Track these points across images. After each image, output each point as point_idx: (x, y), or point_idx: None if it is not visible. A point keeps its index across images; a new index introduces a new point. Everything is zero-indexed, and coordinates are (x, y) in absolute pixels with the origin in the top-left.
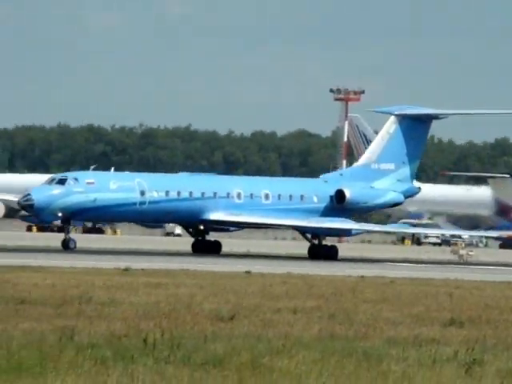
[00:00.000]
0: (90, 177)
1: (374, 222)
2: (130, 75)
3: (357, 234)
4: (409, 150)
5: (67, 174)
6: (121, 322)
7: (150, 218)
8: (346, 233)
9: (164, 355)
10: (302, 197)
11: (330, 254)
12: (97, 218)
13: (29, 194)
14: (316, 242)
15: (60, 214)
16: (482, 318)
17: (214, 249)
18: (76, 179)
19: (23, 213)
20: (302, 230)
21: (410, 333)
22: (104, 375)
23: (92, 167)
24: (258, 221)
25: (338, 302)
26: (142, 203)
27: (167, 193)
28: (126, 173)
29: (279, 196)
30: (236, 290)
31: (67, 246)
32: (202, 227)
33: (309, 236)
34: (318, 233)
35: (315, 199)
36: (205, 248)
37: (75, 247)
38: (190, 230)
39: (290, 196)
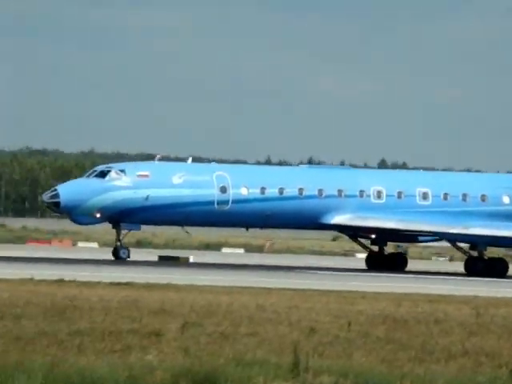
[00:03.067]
0: (142, 168)
1: None
2: None
3: None
4: None
5: (112, 165)
6: None
7: (235, 221)
8: None
9: None
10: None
11: (496, 270)
12: (152, 220)
13: (55, 190)
14: (475, 254)
15: (98, 215)
16: None
17: (394, 264)
18: (123, 171)
19: None
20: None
21: None
22: None
23: (158, 156)
24: (402, 226)
25: None
26: (221, 202)
27: (263, 190)
28: (203, 164)
29: (445, 195)
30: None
31: (118, 256)
32: (373, 236)
33: (463, 247)
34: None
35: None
36: (382, 263)
37: (128, 257)
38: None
39: (464, 195)
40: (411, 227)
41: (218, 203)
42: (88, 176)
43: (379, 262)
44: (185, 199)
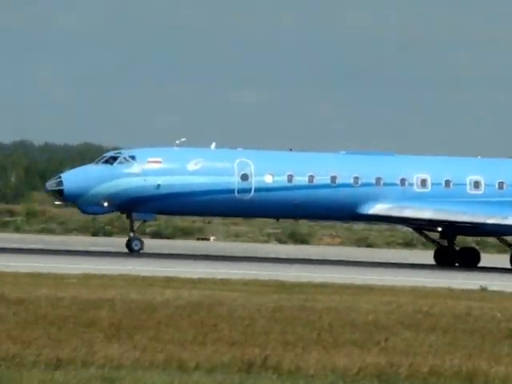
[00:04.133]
0: (154, 154)
1: None
2: None
3: None
4: None
5: (122, 151)
6: None
7: (258, 211)
8: None
9: None
10: None
11: None
12: (166, 210)
13: (59, 177)
14: None
15: (106, 204)
16: None
17: (465, 259)
18: (133, 157)
19: None
20: None
21: None
22: None
23: (178, 141)
24: (448, 217)
25: None
26: (243, 191)
27: (290, 177)
28: (224, 150)
29: (501, 184)
30: None
31: (130, 247)
32: (440, 228)
33: None
34: None
35: None
36: (453, 258)
37: (141, 249)
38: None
39: None
40: (447, 217)
41: (238, 191)
42: (96, 162)
43: (449, 257)
44: (201, 187)
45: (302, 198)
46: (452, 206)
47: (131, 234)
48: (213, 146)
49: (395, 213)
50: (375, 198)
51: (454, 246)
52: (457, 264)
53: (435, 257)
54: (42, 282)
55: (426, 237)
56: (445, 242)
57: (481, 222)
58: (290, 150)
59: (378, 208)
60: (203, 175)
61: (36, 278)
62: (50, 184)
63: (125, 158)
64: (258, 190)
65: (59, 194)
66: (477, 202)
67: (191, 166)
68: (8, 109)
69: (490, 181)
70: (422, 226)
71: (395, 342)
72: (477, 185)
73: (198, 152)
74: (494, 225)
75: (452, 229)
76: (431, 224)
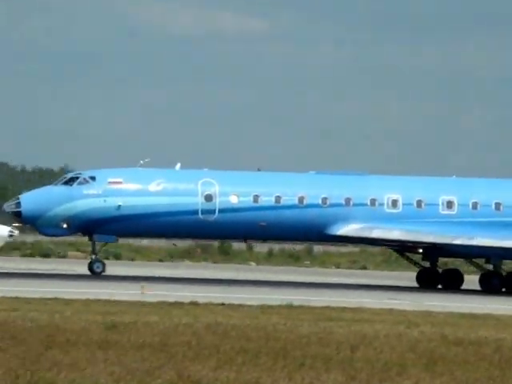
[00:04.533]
0: (115, 175)
1: None
2: None
3: None
4: None
5: (82, 172)
6: None
7: (223, 232)
8: None
9: None
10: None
11: None
12: (127, 232)
13: (17, 198)
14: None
15: (65, 226)
16: None
17: (448, 281)
18: (93, 178)
19: None
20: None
21: None
22: None
23: (142, 161)
24: (405, 237)
25: None
26: (206, 212)
27: (256, 198)
28: (187, 170)
29: (475, 204)
30: None
31: (92, 270)
32: (420, 250)
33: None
34: None
35: None
36: (435, 280)
37: (103, 271)
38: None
39: (497, 205)
40: (413, 238)
41: (202, 212)
42: (56, 184)
43: (431, 279)
44: (162, 208)
45: (269, 219)
46: (419, 227)
47: (93, 257)
48: (178, 166)
49: (363, 234)
50: (344, 219)
51: (437, 267)
52: (439, 286)
53: (418, 279)
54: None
55: (408, 258)
56: (427, 264)
57: (447, 243)
58: (258, 169)
59: (345, 229)
60: (165, 196)
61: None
62: (8, 205)
63: (85, 179)
64: (222, 210)
65: (17, 215)
66: (450, 223)
67: (153, 187)
68: None
69: (464, 201)
70: (403, 248)
71: None
72: (449, 205)
73: (160, 172)
74: (459, 246)
75: (432, 250)
76: (407, 245)
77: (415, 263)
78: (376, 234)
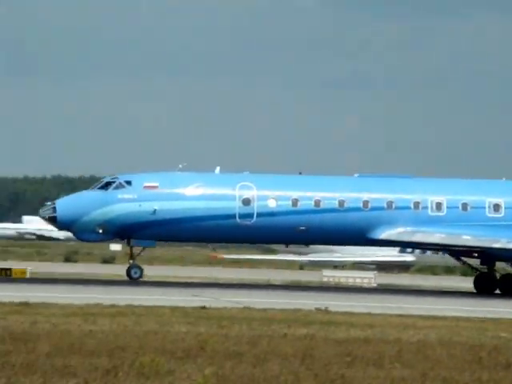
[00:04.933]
0: (151, 179)
1: None
2: None
3: None
4: None
5: (119, 176)
6: None
7: (261, 237)
8: None
9: None
10: None
11: None
12: (163, 236)
13: (53, 203)
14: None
15: (100, 231)
16: None
17: (506, 287)
18: (128, 182)
19: None
20: None
21: None
22: None
23: (181, 166)
24: (445, 241)
25: None
26: (244, 216)
27: (295, 202)
28: (225, 174)
29: None
30: None
31: (129, 275)
32: (476, 255)
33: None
34: None
35: None
36: (492, 286)
37: (140, 277)
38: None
39: None
40: (453, 242)
41: (239, 217)
42: (92, 188)
43: (489, 285)
44: (199, 212)
45: (308, 224)
46: (464, 230)
47: (131, 262)
48: (217, 170)
49: (404, 238)
50: (387, 222)
51: (495, 272)
52: (498, 291)
53: (475, 284)
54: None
55: (465, 263)
56: (485, 269)
57: (486, 247)
58: (300, 173)
59: (387, 233)
60: (202, 200)
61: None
62: (44, 210)
63: (120, 183)
64: (260, 215)
65: (53, 220)
66: (496, 226)
67: (189, 191)
68: None
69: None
70: (459, 253)
71: None
72: (496, 208)
73: (197, 176)
74: (501, 249)
75: (488, 255)
76: (465, 250)
77: (472, 268)
78: (417, 238)
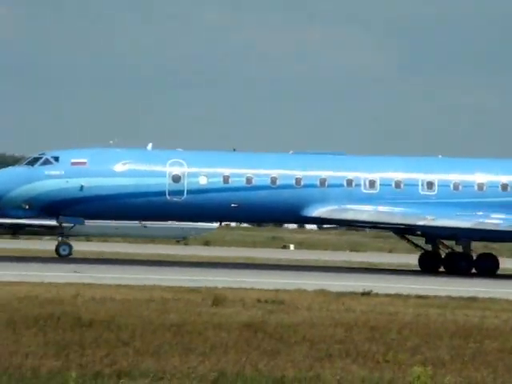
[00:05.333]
0: (79, 155)
1: None
2: None
3: None
4: None
5: (46, 152)
6: None
7: (191, 214)
8: None
9: None
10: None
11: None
12: (92, 214)
13: None
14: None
15: (27, 207)
16: None
17: (451, 265)
18: (56, 158)
19: None
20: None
21: None
22: None
23: (111, 141)
24: (373, 219)
25: None
26: (174, 193)
27: (226, 179)
28: (155, 150)
29: (451, 185)
30: None
31: (58, 253)
32: (418, 232)
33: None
34: None
35: None
36: (437, 264)
37: (70, 253)
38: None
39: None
40: (380, 219)
41: (169, 194)
42: (20, 164)
43: (433, 263)
44: (127, 189)
45: (240, 201)
46: (399, 208)
47: (59, 239)
48: (149, 146)
49: (336, 215)
50: (319, 200)
51: (439, 251)
52: (442, 270)
53: (420, 262)
54: None
55: (409, 241)
56: (429, 247)
57: (411, 224)
58: (234, 150)
59: (319, 211)
60: (131, 177)
61: None
62: None
63: (47, 160)
64: (190, 191)
65: None
66: (429, 204)
67: (118, 167)
68: None
69: (444, 182)
70: (401, 231)
71: None
72: (430, 186)
73: (128, 152)
74: (424, 226)
75: (430, 233)
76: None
77: (416, 246)
78: (347, 215)
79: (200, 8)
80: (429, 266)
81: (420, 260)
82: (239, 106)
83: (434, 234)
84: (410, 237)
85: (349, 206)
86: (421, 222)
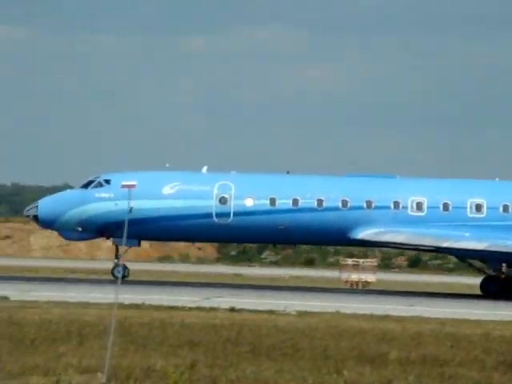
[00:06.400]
0: (129, 177)
1: None
2: None
3: None
4: None
5: (100, 175)
6: None
7: (238, 236)
8: None
9: None
10: None
11: None
12: (141, 235)
13: (37, 202)
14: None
15: (79, 229)
16: None
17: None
18: (107, 181)
19: None
20: None
21: None
22: None
23: (168, 164)
24: (409, 241)
25: None
26: (221, 215)
27: (272, 201)
28: (205, 173)
29: (505, 207)
30: None
31: (113, 275)
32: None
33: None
34: None
35: None
36: (500, 288)
37: (125, 275)
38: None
39: None
40: (417, 242)
41: (216, 216)
42: (77, 188)
43: (497, 288)
44: (174, 212)
45: (286, 223)
46: (441, 230)
47: (116, 261)
48: (204, 169)
49: (379, 238)
50: (366, 223)
51: (501, 274)
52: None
53: (482, 287)
54: None
55: (470, 265)
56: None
57: (437, 246)
58: (288, 172)
59: (365, 233)
60: (179, 199)
61: None
62: (28, 210)
63: (99, 182)
64: (237, 214)
65: (36, 219)
66: (477, 226)
67: (167, 190)
68: None
69: (494, 204)
70: (463, 255)
71: None
72: (478, 208)
73: (175, 175)
74: (449, 248)
75: (493, 256)
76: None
77: (479, 270)
78: (387, 238)
79: None
80: (491, 290)
81: (482, 284)
82: (300, 130)
83: (463, 256)
84: (471, 261)
85: (394, 229)
86: (445, 244)
